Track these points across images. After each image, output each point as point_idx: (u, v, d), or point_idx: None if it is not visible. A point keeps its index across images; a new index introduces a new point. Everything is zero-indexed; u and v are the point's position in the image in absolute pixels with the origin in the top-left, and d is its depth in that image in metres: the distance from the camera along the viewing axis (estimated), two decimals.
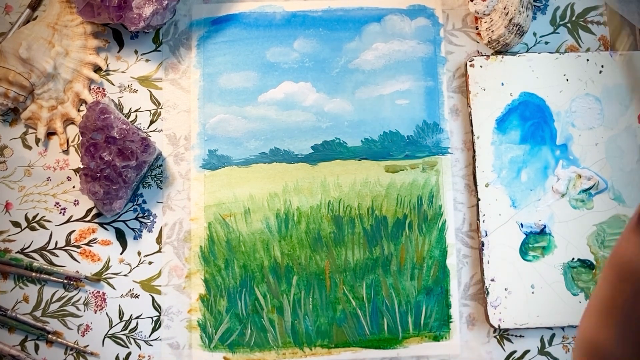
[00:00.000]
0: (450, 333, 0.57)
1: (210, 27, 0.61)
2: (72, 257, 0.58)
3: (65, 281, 0.57)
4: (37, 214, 0.58)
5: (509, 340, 0.58)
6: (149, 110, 0.60)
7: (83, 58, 0.59)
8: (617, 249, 0.38)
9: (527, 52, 0.61)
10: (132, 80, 0.60)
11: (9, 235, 0.58)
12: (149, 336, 0.57)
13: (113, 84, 0.60)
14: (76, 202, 0.58)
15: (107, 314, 0.57)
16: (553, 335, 0.58)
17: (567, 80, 0.59)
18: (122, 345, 0.57)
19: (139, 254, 0.58)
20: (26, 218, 0.58)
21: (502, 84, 0.59)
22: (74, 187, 0.59)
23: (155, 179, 0.59)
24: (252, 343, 0.57)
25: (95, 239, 0.58)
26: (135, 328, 0.57)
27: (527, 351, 0.58)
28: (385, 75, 0.60)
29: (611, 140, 0.59)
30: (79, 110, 0.59)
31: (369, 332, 0.57)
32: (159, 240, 0.58)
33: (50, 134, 0.59)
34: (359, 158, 0.59)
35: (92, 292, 0.57)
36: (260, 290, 0.57)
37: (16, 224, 0.58)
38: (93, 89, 0.60)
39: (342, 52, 0.61)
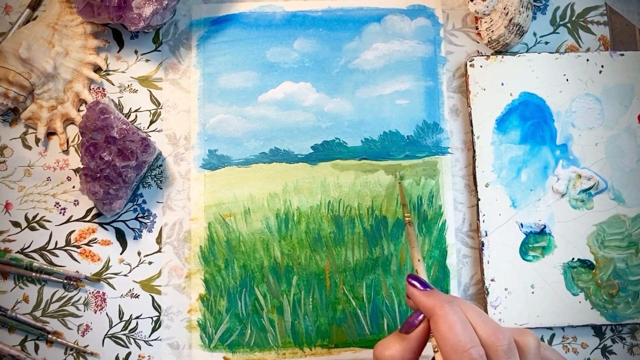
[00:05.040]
0: None
1: (210, 27, 0.61)
2: (72, 257, 0.58)
3: (65, 281, 0.57)
4: (37, 214, 0.58)
5: None
6: (149, 110, 0.60)
7: (83, 58, 0.59)
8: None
9: (527, 52, 0.61)
10: (132, 80, 0.60)
11: (9, 235, 0.58)
12: (149, 336, 0.57)
13: (113, 84, 0.60)
14: (76, 202, 0.58)
15: (107, 314, 0.57)
16: (553, 335, 0.58)
17: (567, 80, 0.59)
18: (122, 345, 0.57)
19: (139, 254, 0.58)
20: (26, 218, 0.58)
21: (502, 84, 0.59)
22: (74, 187, 0.59)
23: (155, 179, 0.59)
24: (252, 343, 0.57)
25: (95, 239, 0.58)
26: (135, 328, 0.57)
27: None
28: (385, 75, 0.60)
29: (611, 140, 0.59)
30: (79, 110, 0.59)
31: (369, 332, 0.57)
32: (159, 240, 0.58)
33: (50, 134, 0.59)
34: (359, 158, 0.59)
35: (92, 292, 0.57)
36: (260, 290, 0.57)
37: (16, 224, 0.58)
38: (93, 89, 0.60)
39: (342, 52, 0.61)
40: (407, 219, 0.51)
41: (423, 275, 0.48)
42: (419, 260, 0.48)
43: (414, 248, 0.49)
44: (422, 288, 0.44)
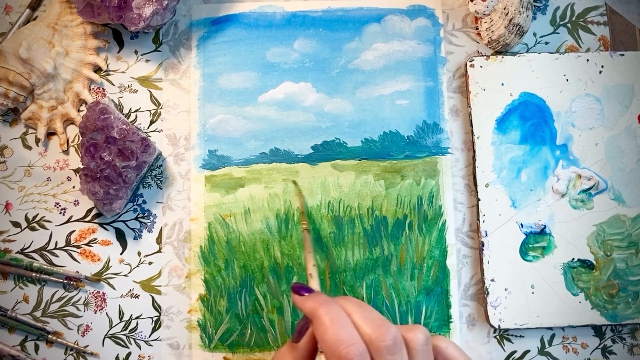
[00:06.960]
0: (450, 333, 0.57)
1: (210, 27, 0.61)
2: (72, 257, 0.58)
3: (65, 281, 0.57)
4: (37, 214, 0.58)
5: (509, 340, 0.58)
6: (149, 111, 0.60)
7: (83, 58, 0.59)
8: None
9: (527, 52, 0.61)
10: (132, 81, 0.60)
11: (9, 235, 0.58)
12: (149, 336, 0.57)
13: (113, 84, 0.60)
14: (76, 202, 0.58)
15: (107, 314, 0.57)
16: (553, 336, 0.58)
17: (567, 80, 0.59)
18: (122, 346, 0.57)
19: (139, 254, 0.58)
20: (26, 218, 0.58)
21: (502, 84, 0.59)
22: (74, 187, 0.59)
23: (155, 179, 0.59)
24: (252, 343, 0.57)
25: (95, 239, 0.58)
26: (135, 328, 0.57)
27: (527, 351, 0.58)
28: (385, 75, 0.60)
29: (611, 140, 0.59)
30: (79, 111, 0.59)
31: None
32: (159, 240, 0.58)
33: (50, 134, 0.59)
34: (359, 158, 0.59)
35: (92, 292, 0.57)
36: (260, 290, 0.57)
37: (16, 224, 0.58)
38: (93, 89, 0.60)
39: (342, 52, 0.61)
40: (304, 226, 0.54)
41: (315, 281, 0.47)
42: (313, 265, 0.48)
43: (310, 253, 0.50)
44: (305, 294, 0.43)
